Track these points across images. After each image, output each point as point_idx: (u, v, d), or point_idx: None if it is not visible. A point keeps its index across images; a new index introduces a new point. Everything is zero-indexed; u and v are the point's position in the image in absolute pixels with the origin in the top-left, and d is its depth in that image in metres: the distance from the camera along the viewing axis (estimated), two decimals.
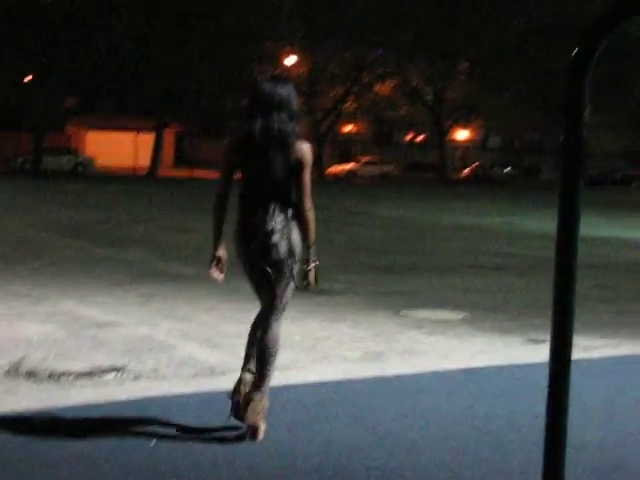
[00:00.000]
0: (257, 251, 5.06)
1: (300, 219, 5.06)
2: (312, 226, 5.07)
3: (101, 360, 7.03)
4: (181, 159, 71.80)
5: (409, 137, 79.87)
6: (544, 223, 25.71)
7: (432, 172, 69.96)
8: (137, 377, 6.60)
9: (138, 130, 59.85)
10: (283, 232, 5.01)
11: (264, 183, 5.08)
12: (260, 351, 5.13)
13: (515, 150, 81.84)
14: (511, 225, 24.60)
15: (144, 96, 53.85)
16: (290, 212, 5.05)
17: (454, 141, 77.42)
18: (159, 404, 5.74)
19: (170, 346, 7.68)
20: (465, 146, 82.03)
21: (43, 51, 49.39)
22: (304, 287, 5.15)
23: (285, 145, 5.02)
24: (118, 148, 66.09)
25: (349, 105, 62.22)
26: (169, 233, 18.47)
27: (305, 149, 5.06)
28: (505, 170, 71.96)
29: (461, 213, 29.24)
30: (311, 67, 61.15)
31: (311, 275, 5.12)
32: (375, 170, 63.89)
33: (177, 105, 56.14)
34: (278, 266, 5.07)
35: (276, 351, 5.14)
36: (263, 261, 5.07)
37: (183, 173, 56.55)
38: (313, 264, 5.11)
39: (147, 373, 6.72)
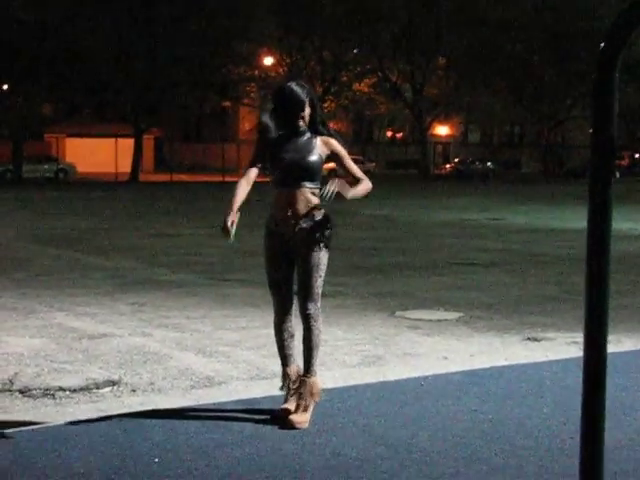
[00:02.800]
0: None
1: None
2: None
3: (96, 374, 6.88)
4: (161, 164, 71.49)
5: (389, 134, 79.81)
6: (529, 217, 25.70)
7: (414, 169, 69.93)
8: (134, 390, 6.46)
9: (117, 136, 59.54)
10: None
11: None
12: None
13: (495, 144, 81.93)
14: (497, 220, 24.52)
15: (120, 103, 53.54)
16: None
17: (435, 137, 77.42)
18: (159, 418, 5.59)
19: (165, 357, 7.53)
20: (446, 142, 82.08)
21: (19, 58, 49.04)
22: None
23: None
24: (98, 155, 65.74)
25: (328, 104, 62.10)
26: (155, 239, 18.30)
27: None
28: (486, 165, 71.97)
29: (446, 209, 29.18)
30: (289, 67, 60.99)
31: None
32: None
33: (154, 111, 55.85)
34: None
35: None
36: None
37: (164, 178, 56.27)
38: None
39: (144, 386, 6.57)
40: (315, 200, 5.49)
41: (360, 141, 73.88)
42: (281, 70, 61.56)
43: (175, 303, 10.37)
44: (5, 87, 52.72)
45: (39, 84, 51.07)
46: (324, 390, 5.74)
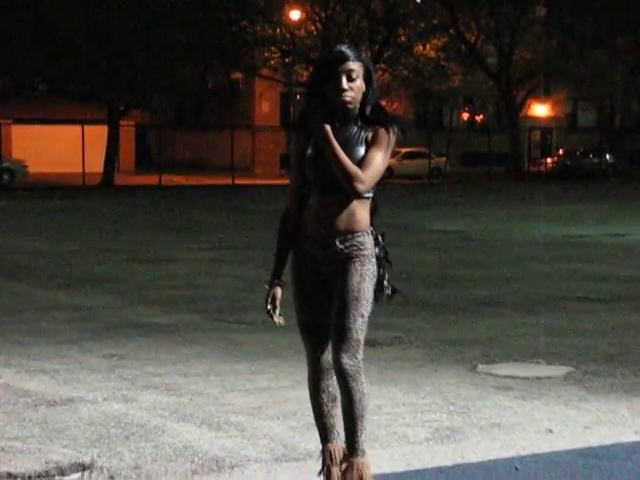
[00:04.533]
0: None
1: None
2: None
3: (59, 455, 6.92)
4: (146, 161, 71.74)
5: (466, 117, 79.74)
6: None
7: (500, 164, 69.69)
8: (112, 477, 6.50)
9: (84, 122, 59.89)
10: None
11: None
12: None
13: (617, 130, 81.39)
14: (620, 237, 24.43)
15: (90, 76, 53.66)
16: None
17: (530, 120, 77.12)
18: None
19: (155, 430, 7.57)
20: (546, 127, 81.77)
21: None
22: None
23: None
24: (58, 148, 66.04)
25: (380, 75, 62.21)
26: (138, 266, 18.37)
27: None
28: (604, 158, 71.58)
29: (547, 222, 29.06)
30: (324, 24, 61.12)
31: None
32: (421, 165, 63.68)
33: (136, 87, 55.88)
34: None
35: None
36: None
37: (149, 180, 56.54)
38: None
39: (126, 471, 6.62)
40: (363, 214, 5.51)
41: (425, 127, 73.80)
42: (313, 28, 61.66)
43: (168, 355, 10.41)
44: None
45: None
46: (377, 476, 5.76)
